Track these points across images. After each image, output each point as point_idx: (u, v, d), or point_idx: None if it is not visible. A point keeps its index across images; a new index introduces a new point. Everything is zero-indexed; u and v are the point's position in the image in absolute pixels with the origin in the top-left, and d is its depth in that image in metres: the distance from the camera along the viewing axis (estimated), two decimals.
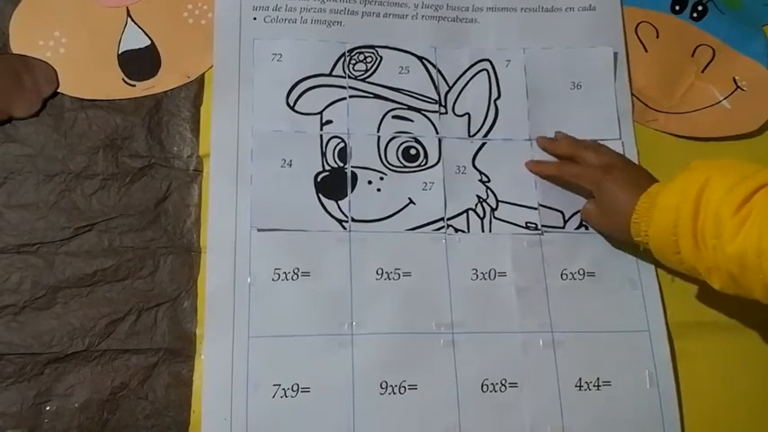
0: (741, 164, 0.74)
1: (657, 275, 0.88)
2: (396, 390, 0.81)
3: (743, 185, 0.70)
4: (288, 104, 0.90)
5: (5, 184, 0.84)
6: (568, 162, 0.90)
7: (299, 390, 0.80)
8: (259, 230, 0.84)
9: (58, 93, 0.88)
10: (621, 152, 0.92)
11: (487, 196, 0.89)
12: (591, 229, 0.89)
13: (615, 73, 0.95)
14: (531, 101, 0.93)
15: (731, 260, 0.69)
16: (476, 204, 0.88)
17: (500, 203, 0.88)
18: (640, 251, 0.84)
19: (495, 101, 0.93)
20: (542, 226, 0.88)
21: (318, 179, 0.87)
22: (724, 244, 0.69)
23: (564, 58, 0.95)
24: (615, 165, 0.87)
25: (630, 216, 0.80)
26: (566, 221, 0.89)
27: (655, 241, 0.78)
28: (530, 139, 0.92)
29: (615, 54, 0.96)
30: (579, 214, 0.89)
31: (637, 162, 0.92)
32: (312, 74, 0.91)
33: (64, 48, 0.90)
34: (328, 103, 0.91)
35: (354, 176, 0.88)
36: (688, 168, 0.77)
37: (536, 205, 0.89)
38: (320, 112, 0.90)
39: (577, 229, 0.89)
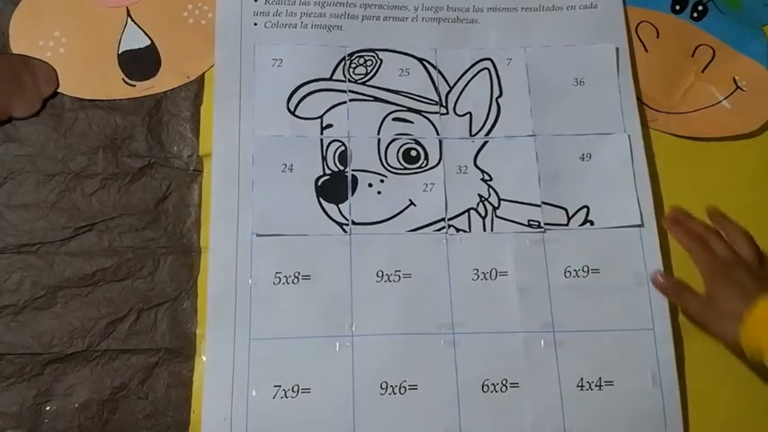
0: None
1: (665, 271, 0.87)
2: (396, 390, 0.80)
3: None
4: (288, 109, 0.90)
5: (5, 184, 0.84)
6: (702, 243, 0.85)
7: (300, 390, 0.79)
8: (260, 236, 0.84)
9: (58, 93, 0.88)
10: (627, 146, 0.91)
11: (489, 195, 0.88)
12: (596, 225, 0.88)
13: (618, 68, 0.95)
14: (533, 97, 0.93)
15: None
16: (477, 204, 0.88)
17: (502, 202, 0.88)
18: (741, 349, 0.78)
19: (496, 99, 0.92)
20: (545, 224, 0.88)
21: (319, 183, 0.87)
22: None
23: (566, 56, 0.95)
24: (740, 263, 0.83)
25: (741, 319, 0.75)
26: (569, 218, 0.88)
27: None
28: (533, 135, 0.91)
29: (617, 50, 0.96)
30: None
31: (644, 156, 0.91)
32: (312, 78, 0.92)
33: (64, 48, 0.90)
34: (329, 107, 0.91)
35: (355, 180, 0.88)
36: None
37: (539, 203, 0.88)
38: (320, 117, 0.90)
39: (582, 224, 0.88)
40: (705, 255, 0.84)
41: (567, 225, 0.88)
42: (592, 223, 0.88)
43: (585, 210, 0.89)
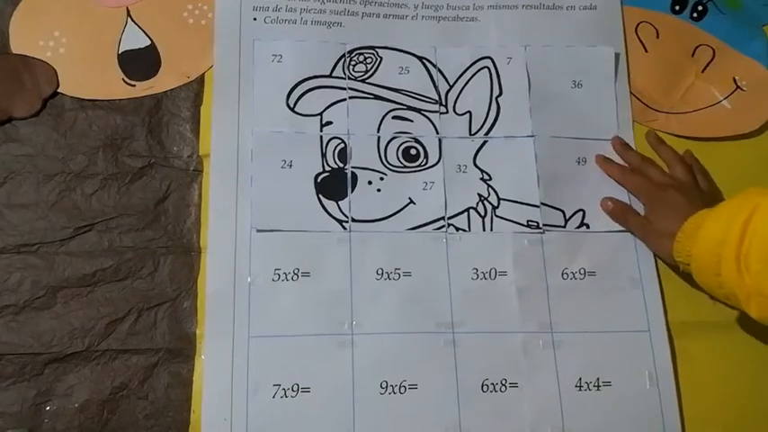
0: None
1: (659, 275, 0.88)
2: (396, 389, 0.81)
3: None
4: (288, 106, 0.90)
5: (5, 184, 0.84)
6: (634, 171, 0.90)
7: (300, 390, 0.80)
8: (259, 231, 0.84)
9: (58, 93, 0.88)
10: None
11: (489, 194, 0.89)
12: (592, 228, 0.89)
13: (616, 73, 0.95)
14: (532, 98, 0.93)
15: None
16: (477, 203, 0.88)
17: (501, 201, 0.88)
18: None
19: (496, 98, 0.92)
20: (544, 225, 0.88)
21: (318, 180, 0.87)
22: None
23: (565, 57, 0.95)
24: (673, 185, 0.87)
25: (674, 237, 0.80)
26: (567, 220, 0.89)
27: (696, 262, 0.76)
28: (532, 136, 0.91)
29: (617, 55, 0.96)
30: (601, 211, 0.90)
31: None
32: (312, 75, 0.91)
33: (64, 48, 0.90)
34: (328, 104, 0.91)
35: (354, 177, 0.88)
36: (739, 194, 0.76)
37: (538, 203, 0.88)
38: (320, 113, 0.90)
39: (578, 227, 0.89)
40: (640, 180, 0.89)
41: (564, 227, 0.88)
42: (588, 227, 0.89)
43: (581, 213, 0.89)
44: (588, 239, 0.88)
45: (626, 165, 0.91)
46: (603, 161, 0.91)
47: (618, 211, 0.89)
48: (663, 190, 0.86)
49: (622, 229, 0.89)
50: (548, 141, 0.91)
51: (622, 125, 0.94)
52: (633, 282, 0.87)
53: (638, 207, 0.90)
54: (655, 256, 0.87)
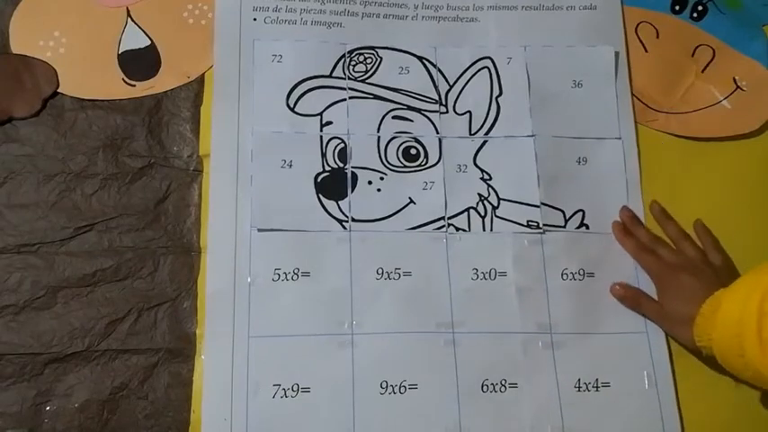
0: None
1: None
2: (396, 389, 0.81)
3: None
4: (288, 106, 0.90)
5: (5, 184, 0.84)
6: (646, 249, 0.87)
7: (300, 390, 0.80)
8: (259, 231, 0.84)
9: (58, 93, 0.88)
10: (621, 152, 0.92)
11: (489, 194, 0.89)
12: (591, 228, 0.89)
13: (616, 72, 0.95)
14: (532, 97, 0.93)
15: None
16: (477, 203, 0.88)
17: (501, 201, 0.88)
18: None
19: (496, 98, 0.92)
20: (544, 225, 0.88)
21: (318, 180, 0.87)
22: None
23: (565, 57, 0.95)
24: (685, 267, 0.84)
25: (693, 321, 0.78)
26: (567, 220, 0.89)
27: (719, 345, 0.74)
28: (532, 136, 0.91)
29: (617, 54, 0.96)
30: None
31: (637, 162, 0.92)
32: (312, 75, 0.91)
33: (64, 48, 0.90)
34: (328, 104, 0.91)
35: (354, 177, 0.88)
36: (753, 270, 0.74)
37: (538, 203, 0.88)
38: (320, 114, 0.90)
39: (578, 228, 0.89)
40: (652, 260, 0.86)
41: (564, 227, 0.88)
42: (587, 227, 0.89)
43: (581, 213, 0.89)
44: (588, 240, 0.88)
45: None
46: (620, 232, 0.89)
47: (630, 297, 0.86)
48: (675, 273, 0.84)
49: None
50: (548, 141, 0.91)
51: (623, 124, 0.93)
52: (632, 282, 0.87)
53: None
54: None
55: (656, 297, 0.86)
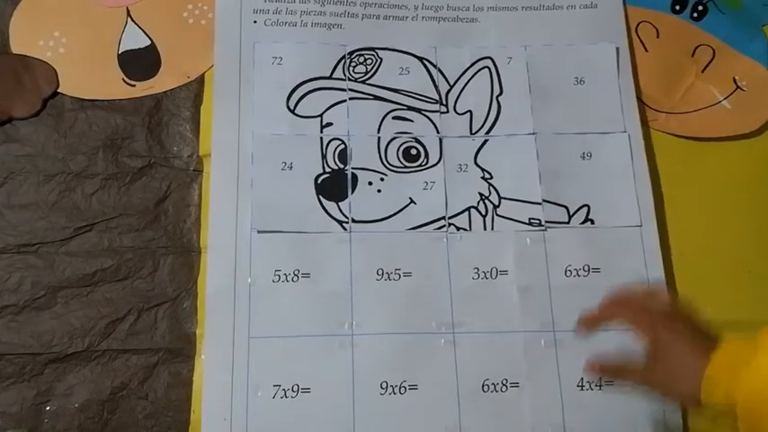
0: None
1: (665, 271, 0.87)
2: (396, 390, 0.81)
3: None
4: (288, 108, 0.90)
5: (5, 184, 0.84)
6: (622, 303, 0.72)
7: (300, 390, 0.80)
8: (259, 232, 0.84)
9: (58, 93, 0.88)
10: (627, 146, 0.92)
11: (490, 193, 0.88)
12: (597, 223, 0.88)
13: (618, 68, 0.95)
14: (533, 96, 0.93)
15: None
16: (478, 202, 0.88)
17: (503, 200, 0.88)
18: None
19: (497, 97, 0.92)
20: (546, 222, 0.88)
21: (319, 181, 0.87)
22: None
23: (566, 55, 0.95)
24: (679, 314, 0.69)
25: (700, 376, 0.63)
26: (571, 216, 0.88)
27: (747, 404, 0.60)
28: (533, 133, 0.91)
29: (617, 49, 0.96)
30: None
31: (644, 155, 0.92)
32: (312, 77, 0.92)
33: (64, 48, 0.90)
34: (328, 105, 0.91)
35: (355, 178, 0.88)
36: None
37: (540, 200, 0.88)
38: (320, 115, 0.90)
39: (583, 223, 0.88)
40: (634, 312, 0.71)
41: (567, 223, 0.88)
42: (592, 222, 0.88)
43: (586, 208, 0.89)
44: (593, 235, 0.88)
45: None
46: (588, 326, 0.73)
47: (609, 372, 0.71)
48: (666, 320, 0.69)
49: (629, 224, 0.88)
50: (550, 138, 0.91)
51: (628, 118, 0.93)
52: (639, 278, 0.86)
53: None
54: (662, 250, 0.86)
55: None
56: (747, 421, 0.61)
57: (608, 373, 0.71)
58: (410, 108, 0.92)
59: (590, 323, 0.72)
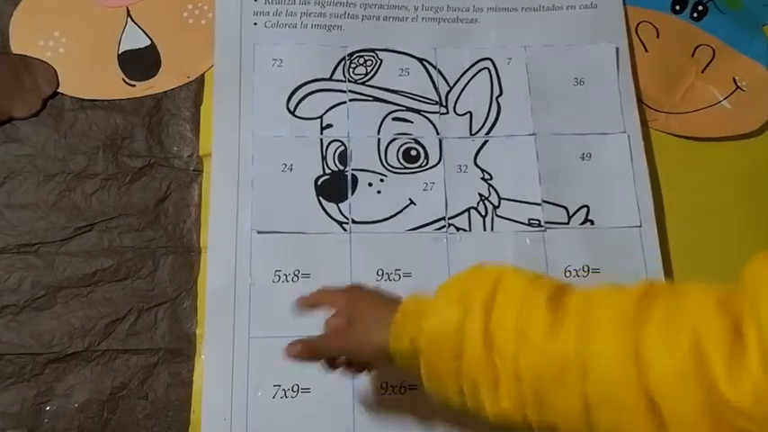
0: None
1: (665, 271, 0.87)
2: (396, 390, 0.80)
3: (549, 283, 0.61)
4: (288, 110, 0.90)
5: (5, 184, 0.85)
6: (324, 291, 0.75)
7: (300, 390, 0.80)
8: (260, 232, 0.84)
9: (58, 93, 0.88)
10: (627, 146, 0.92)
11: (489, 194, 0.89)
12: (597, 224, 0.88)
13: (618, 68, 0.95)
14: (533, 97, 0.93)
15: (548, 361, 0.54)
16: (477, 203, 0.88)
17: (502, 201, 0.88)
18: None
19: (497, 98, 0.93)
20: (546, 222, 0.88)
21: (319, 183, 0.87)
22: (538, 343, 0.55)
23: (566, 56, 0.95)
24: (368, 287, 0.73)
25: (388, 323, 0.65)
26: (570, 217, 0.88)
27: (429, 345, 0.61)
28: (533, 134, 0.91)
29: (617, 49, 0.96)
30: None
31: (644, 155, 0.92)
32: (312, 78, 0.92)
33: (64, 48, 0.90)
34: (328, 107, 0.91)
35: (355, 179, 0.88)
36: (471, 269, 0.66)
37: (540, 201, 0.88)
38: (320, 117, 0.90)
39: (582, 224, 0.88)
40: (338, 293, 0.73)
41: (567, 224, 0.88)
42: (592, 222, 0.88)
43: (586, 209, 0.89)
44: (593, 235, 0.88)
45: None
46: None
47: (305, 349, 0.70)
48: (349, 289, 0.74)
49: (629, 224, 0.89)
50: (549, 139, 0.91)
51: (628, 119, 0.93)
52: (639, 278, 0.86)
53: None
54: (661, 250, 0.87)
55: None
56: (430, 364, 0.62)
57: (308, 350, 0.70)
58: (410, 109, 0.92)
59: (303, 303, 0.74)
